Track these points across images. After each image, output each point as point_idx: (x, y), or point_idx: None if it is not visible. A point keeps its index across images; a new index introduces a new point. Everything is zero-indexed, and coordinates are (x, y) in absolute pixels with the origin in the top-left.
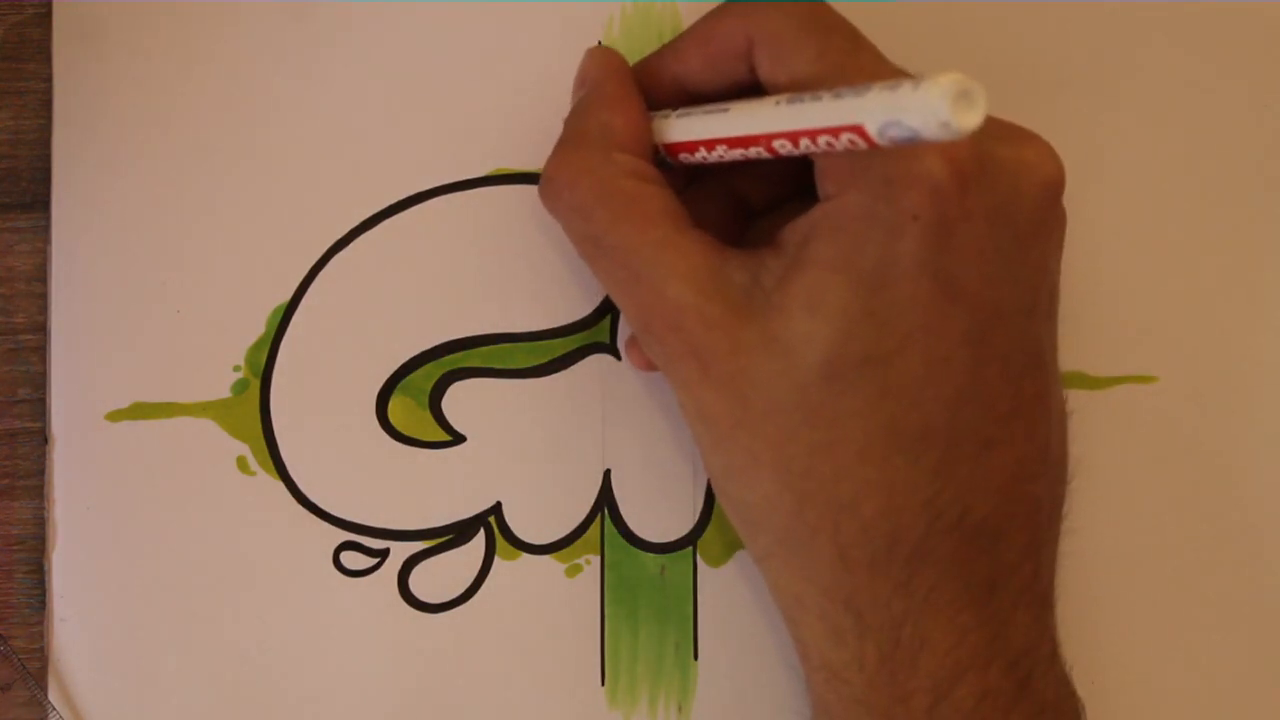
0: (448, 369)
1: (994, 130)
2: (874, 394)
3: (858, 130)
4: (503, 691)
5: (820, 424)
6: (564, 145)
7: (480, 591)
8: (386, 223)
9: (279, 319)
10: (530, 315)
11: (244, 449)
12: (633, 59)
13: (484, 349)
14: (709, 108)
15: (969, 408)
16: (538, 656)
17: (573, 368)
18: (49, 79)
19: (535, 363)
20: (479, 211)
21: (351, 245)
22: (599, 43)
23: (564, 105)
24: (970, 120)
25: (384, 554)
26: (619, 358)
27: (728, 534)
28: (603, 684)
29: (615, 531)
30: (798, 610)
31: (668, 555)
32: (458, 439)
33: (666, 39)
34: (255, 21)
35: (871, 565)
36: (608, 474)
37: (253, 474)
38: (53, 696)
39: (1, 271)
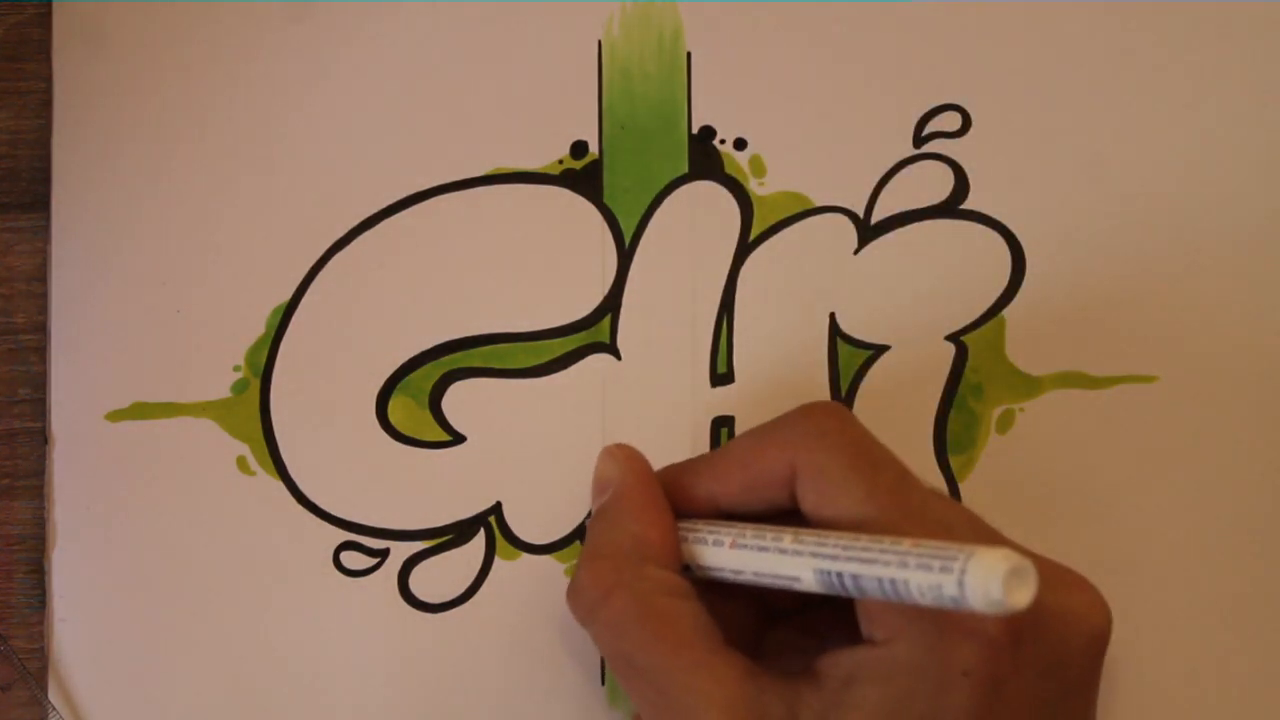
0: (448, 369)
1: (1043, 574)
2: None
3: (906, 597)
4: (503, 691)
5: None
6: (595, 557)
7: (480, 591)
8: (386, 222)
9: (279, 319)
10: (530, 315)
11: (244, 449)
12: (633, 59)
13: (484, 349)
14: (743, 538)
15: None
16: (538, 656)
17: (573, 368)
18: (49, 79)
19: (535, 363)
20: (479, 211)
21: (351, 245)
22: (613, 444)
23: (563, 105)
24: (1023, 598)
25: (384, 554)
26: (619, 358)
27: None
28: (603, 684)
29: None
30: None
31: None
32: (458, 439)
33: (666, 39)
34: (255, 22)
35: None
36: None
37: (253, 474)
38: (53, 696)
39: (1, 271)
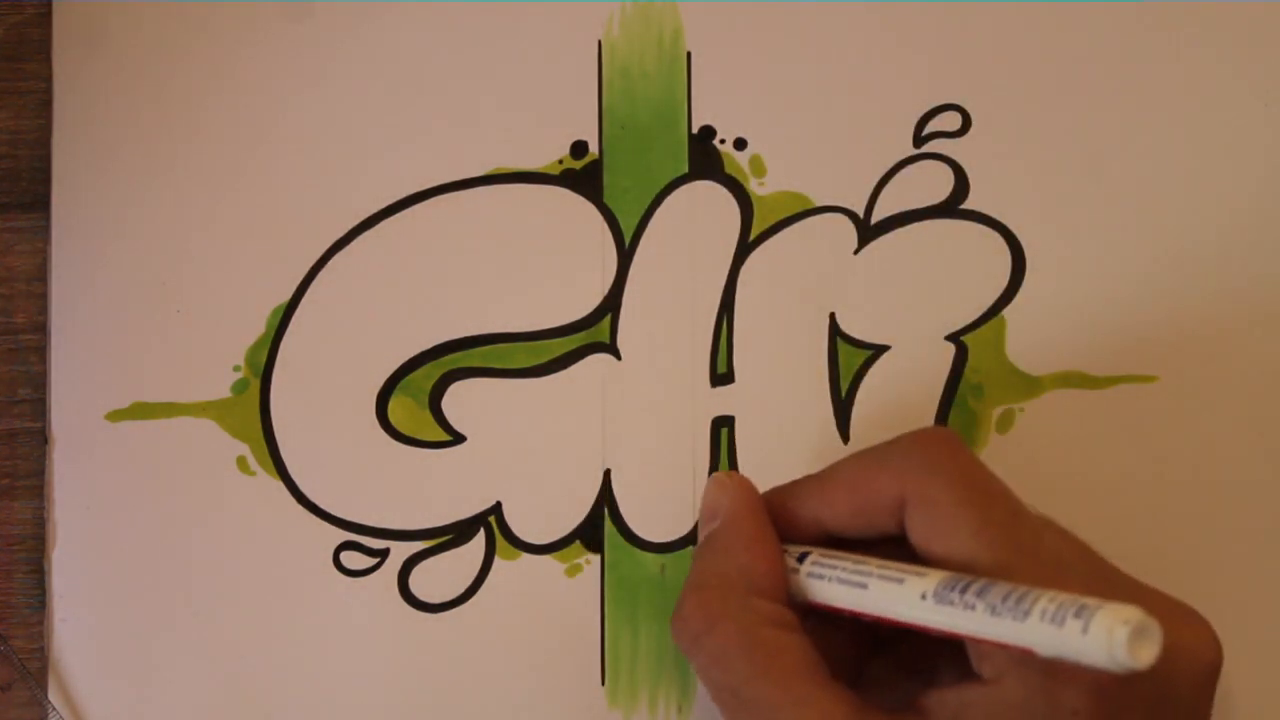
0: (448, 369)
1: (1154, 608)
2: None
3: (1022, 650)
4: (503, 691)
5: None
6: (701, 588)
7: (480, 591)
8: (386, 222)
9: (279, 319)
10: (530, 315)
11: (244, 449)
12: (633, 59)
13: (484, 349)
14: (848, 569)
15: None
16: (538, 656)
17: (572, 368)
18: (49, 79)
19: (535, 363)
20: (479, 211)
21: (351, 245)
22: (722, 469)
23: (563, 105)
24: (1147, 656)
25: (384, 554)
26: (619, 358)
27: None
28: (603, 684)
29: (615, 531)
30: None
31: (668, 555)
32: (458, 439)
33: (666, 39)
34: (255, 22)
35: None
36: (608, 474)
37: (253, 474)
38: (53, 696)
39: (1, 271)
